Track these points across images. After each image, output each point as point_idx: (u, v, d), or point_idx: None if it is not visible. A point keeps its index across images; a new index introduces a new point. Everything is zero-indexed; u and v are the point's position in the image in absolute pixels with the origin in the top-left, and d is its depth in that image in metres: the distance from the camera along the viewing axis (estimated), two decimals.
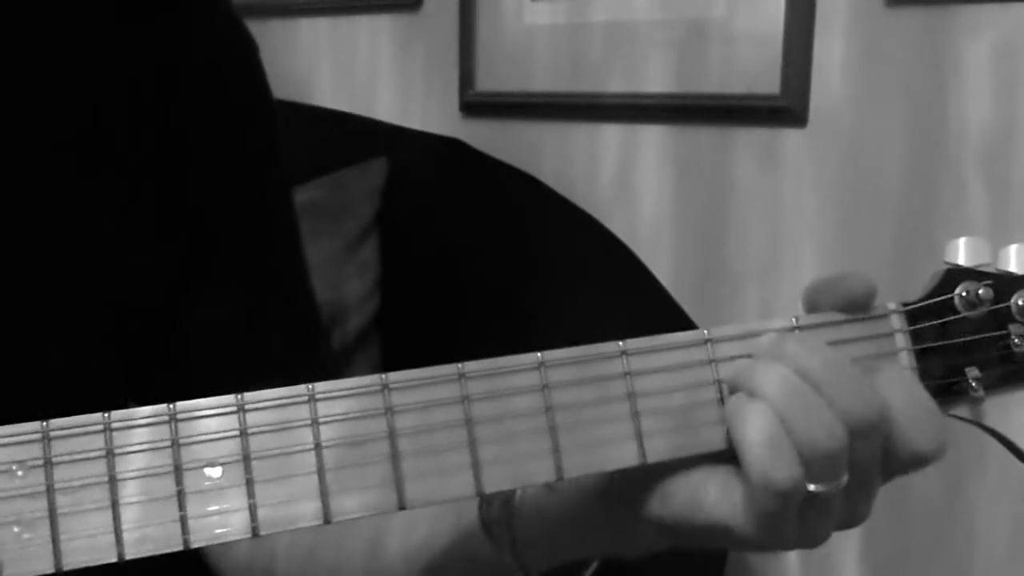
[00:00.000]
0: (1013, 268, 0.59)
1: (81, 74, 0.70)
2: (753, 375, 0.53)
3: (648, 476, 0.55)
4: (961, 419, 0.58)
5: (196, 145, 0.73)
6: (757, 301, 1.47)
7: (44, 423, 0.47)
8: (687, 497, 0.55)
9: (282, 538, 0.73)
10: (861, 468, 0.54)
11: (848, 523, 0.56)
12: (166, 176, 0.72)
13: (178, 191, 0.72)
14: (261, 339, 0.75)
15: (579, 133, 1.62)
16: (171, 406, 0.48)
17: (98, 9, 0.71)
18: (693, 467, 0.55)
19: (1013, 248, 0.59)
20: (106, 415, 0.48)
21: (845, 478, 0.53)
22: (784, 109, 1.43)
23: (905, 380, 0.55)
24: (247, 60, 0.77)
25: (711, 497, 0.54)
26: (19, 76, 0.69)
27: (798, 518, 0.53)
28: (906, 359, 0.57)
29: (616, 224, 1.52)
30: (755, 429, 0.52)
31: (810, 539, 0.55)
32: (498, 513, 0.61)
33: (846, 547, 1.42)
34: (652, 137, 1.56)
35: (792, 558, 1.46)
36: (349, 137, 1.73)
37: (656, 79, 1.53)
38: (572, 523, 0.59)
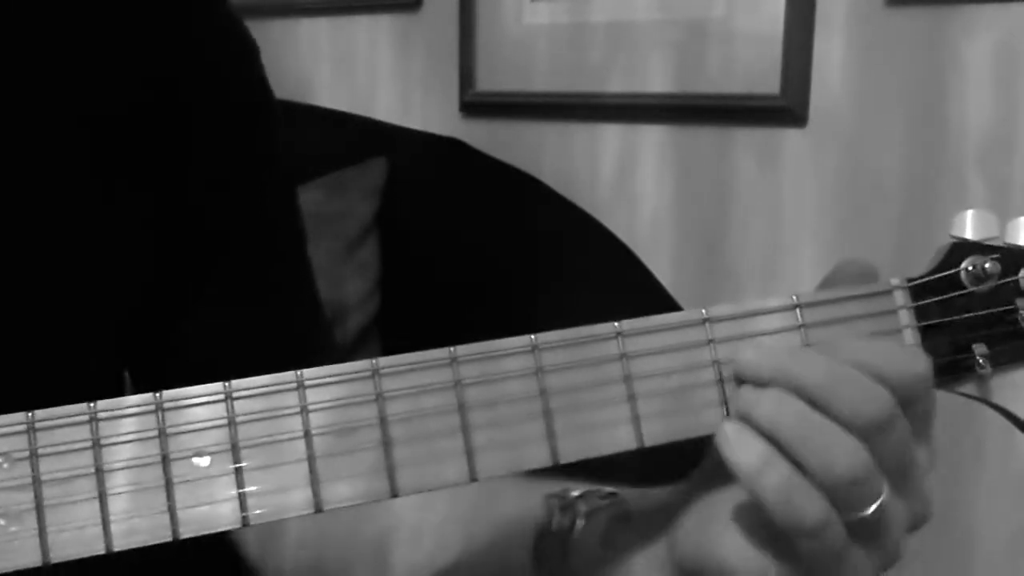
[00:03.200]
0: (1022, 241, 0.57)
1: (81, 76, 0.70)
2: (753, 407, 0.51)
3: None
4: (968, 396, 0.57)
5: (197, 146, 0.73)
6: None
7: (29, 414, 0.47)
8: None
9: (286, 548, 0.73)
10: (899, 464, 0.52)
11: (917, 518, 0.54)
12: (167, 178, 0.72)
13: (179, 193, 0.72)
14: (263, 342, 0.75)
15: (579, 133, 1.62)
16: (158, 395, 0.48)
17: (97, 11, 0.71)
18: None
19: (1022, 220, 0.57)
20: (91, 405, 0.47)
21: (886, 489, 0.51)
22: (784, 109, 1.42)
23: (899, 348, 0.54)
24: (248, 62, 0.77)
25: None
26: (19, 80, 0.69)
27: (862, 545, 0.51)
28: (910, 336, 0.56)
29: (616, 224, 1.52)
30: (770, 484, 0.50)
31: (889, 560, 0.53)
32: (552, 547, 0.60)
33: None
34: (652, 137, 1.55)
35: None
36: (349, 137, 1.73)
37: (656, 79, 1.53)
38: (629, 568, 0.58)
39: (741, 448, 0.51)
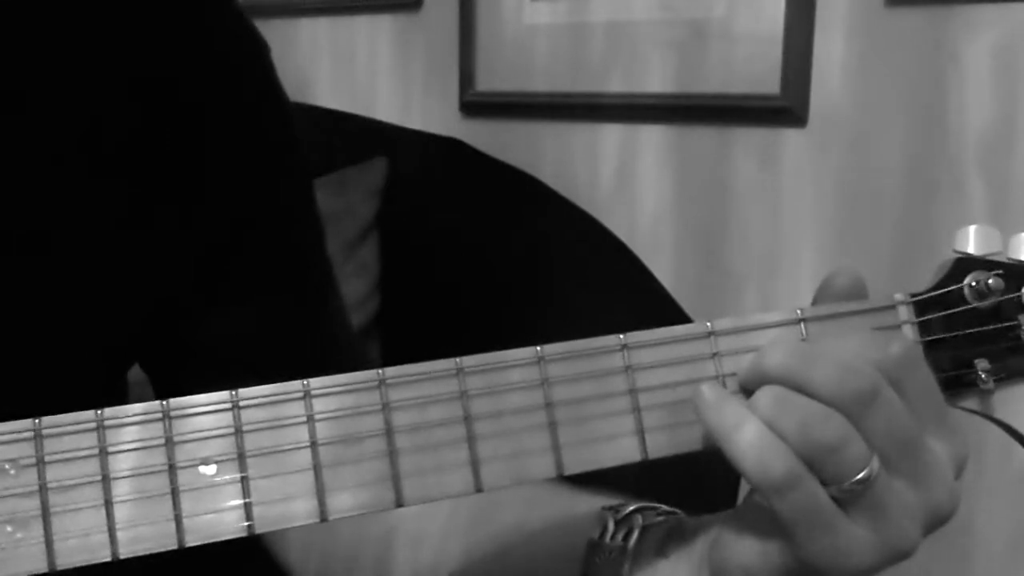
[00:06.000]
0: None
1: (90, 77, 0.70)
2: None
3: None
4: (970, 411, 0.57)
5: (209, 144, 0.72)
6: (757, 301, 1.46)
7: (36, 421, 0.47)
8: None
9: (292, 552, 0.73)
10: (893, 439, 0.52)
11: (932, 508, 0.53)
12: (180, 176, 0.71)
13: (193, 191, 0.72)
14: (286, 339, 0.75)
15: (579, 133, 1.62)
16: (164, 403, 0.48)
17: (105, 10, 0.71)
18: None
19: None
20: (99, 412, 0.47)
21: (875, 462, 0.51)
22: (784, 109, 1.43)
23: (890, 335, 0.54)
24: (258, 60, 0.77)
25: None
26: (30, 78, 0.69)
27: (857, 521, 0.52)
28: None
29: (616, 224, 1.52)
30: (743, 438, 0.51)
31: (893, 545, 0.52)
32: (606, 560, 0.60)
33: None
34: (652, 137, 1.56)
35: None
36: (349, 137, 1.73)
37: (656, 79, 1.53)
38: None
39: (718, 409, 0.52)
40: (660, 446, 0.53)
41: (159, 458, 0.48)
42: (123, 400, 0.69)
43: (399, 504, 0.50)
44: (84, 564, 0.47)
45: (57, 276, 0.68)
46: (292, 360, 0.69)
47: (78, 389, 0.66)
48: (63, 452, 0.47)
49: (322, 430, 0.49)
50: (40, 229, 0.68)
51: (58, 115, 0.69)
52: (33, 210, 0.68)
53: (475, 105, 1.70)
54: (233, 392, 0.48)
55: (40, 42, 0.69)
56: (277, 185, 0.76)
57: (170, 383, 0.74)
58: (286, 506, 0.49)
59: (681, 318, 1.41)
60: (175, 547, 0.48)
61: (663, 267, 1.52)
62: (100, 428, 0.47)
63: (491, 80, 1.69)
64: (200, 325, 0.73)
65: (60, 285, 0.68)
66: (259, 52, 0.77)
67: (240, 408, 0.48)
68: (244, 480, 0.48)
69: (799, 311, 0.55)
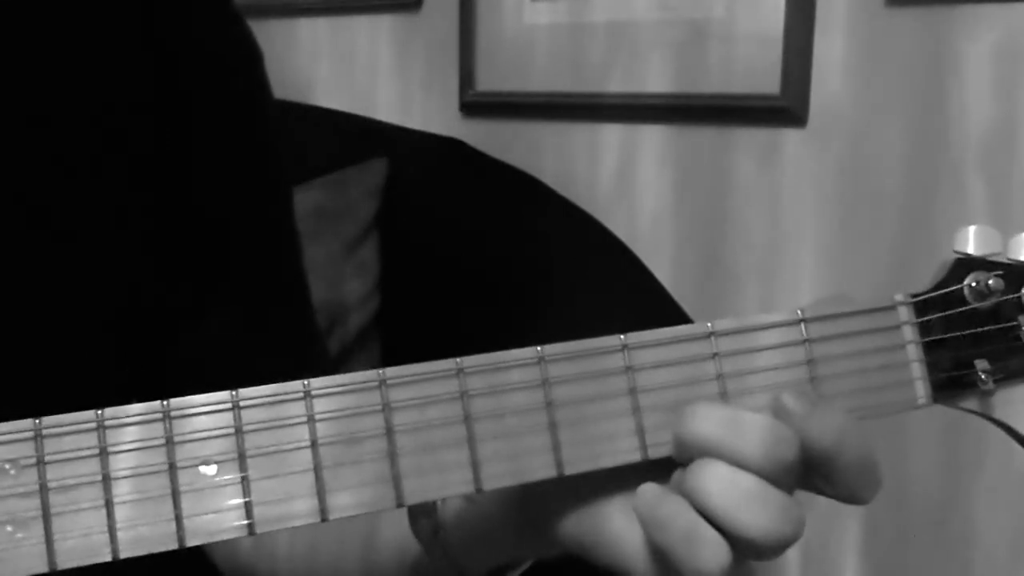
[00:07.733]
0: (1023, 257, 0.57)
1: (84, 72, 0.70)
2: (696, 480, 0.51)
3: (562, 493, 0.55)
4: (970, 412, 0.57)
5: (201, 143, 0.73)
6: (757, 300, 1.46)
7: (36, 421, 0.47)
8: (592, 524, 0.54)
9: (281, 537, 0.73)
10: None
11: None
12: (171, 175, 0.72)
13: (182, 190, 0.72)
14: (269, 343, 0.75)
15: (579, 133, 1.62)
16: (165, 403, 0.48)
17: (103, 6, 0.71)
18: (607, 493, 0.54)
19: None
20: (99, 412, 0.47)
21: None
22: (784, 109, 1.43)
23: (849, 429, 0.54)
24: (252, 63, 0.77)
25: (615, 529, 0.54)
26: (25, 73, 0.69)
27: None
28: (913, 352, 0.56)
29: (616, 224, 1.52)
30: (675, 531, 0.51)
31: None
32: (425, 526, 0.61)
33: (846, 543, 1.41)
34: (652, 137, 1.56)
35: (790, 555, 1.46)
36: (349, 137, 1.73)
37: (656, 79, 1.53)
38: (492, 532, 0.59)
39: (656, 507, 0.52)
40: (660, 446, 0.53)
41: (159, 458, 0.48)
42: (130, 400, 0.70)
43: (399, 504, 0.50)
44: (84, 564, 0.47)
45: (57, 268, 0.68)
46: (274, 368, 0.69)
47: (83, 387, 0.66)
48: (63, 452, 0.47)
49: (322, 430, 0.49)
50: (40, 224, 0.68)
51: (59, 112, 0.69)
52: (33, 204, 0.68)
53: (475, 105, 1.70)
54: (233, 392, 0.49)
55: (44, 39, 0.69)
56: (263, 187, 0.77)
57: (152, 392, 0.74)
58: (286, 506, 0.49)
59: (681, 318, 1.41)
60: (175, 547, 0.48)
61: (663, 267, 1.52)
62: (100, 428, 0.48)
63: (491, 80, 1.69)
64: (188, 329, 0.73)
65: (60, 278, 0.68)
66: (253, 57, 0.77)
67: (240, 408, 0.48)
68: (244, 480, 0.48)
69: (799, 311, 0.55)
